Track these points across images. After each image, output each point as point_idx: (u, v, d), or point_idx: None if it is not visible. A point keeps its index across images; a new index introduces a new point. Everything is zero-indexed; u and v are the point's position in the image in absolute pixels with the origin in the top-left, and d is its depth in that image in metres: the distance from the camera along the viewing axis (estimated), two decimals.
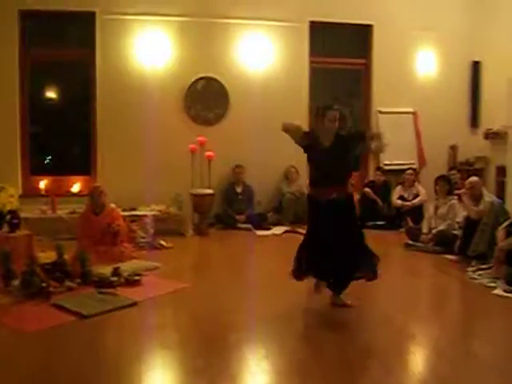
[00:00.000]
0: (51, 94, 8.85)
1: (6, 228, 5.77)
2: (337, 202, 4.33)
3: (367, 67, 9.34)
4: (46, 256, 5.67)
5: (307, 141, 4.43)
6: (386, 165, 9.15)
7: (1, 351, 3.69)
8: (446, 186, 7.22)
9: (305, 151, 4.50)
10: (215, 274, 5.96)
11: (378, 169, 9.09)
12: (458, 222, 6.87)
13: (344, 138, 4.50)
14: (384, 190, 8.81)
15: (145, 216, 7.40)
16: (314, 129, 4.58)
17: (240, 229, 8.27)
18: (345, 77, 9.71)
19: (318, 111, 4.55)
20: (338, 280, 4.50)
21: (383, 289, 5.51)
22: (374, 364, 3.46)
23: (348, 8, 8.93)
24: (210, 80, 8.57)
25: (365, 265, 4.45)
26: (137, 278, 5.26)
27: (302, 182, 8.80)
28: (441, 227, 6.96)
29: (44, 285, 4.81)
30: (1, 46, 7.98)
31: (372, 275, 4.46)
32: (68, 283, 5.05)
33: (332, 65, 9.39)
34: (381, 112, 9.24)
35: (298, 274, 4.60)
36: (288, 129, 4.46)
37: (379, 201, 8.67)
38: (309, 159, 4.53)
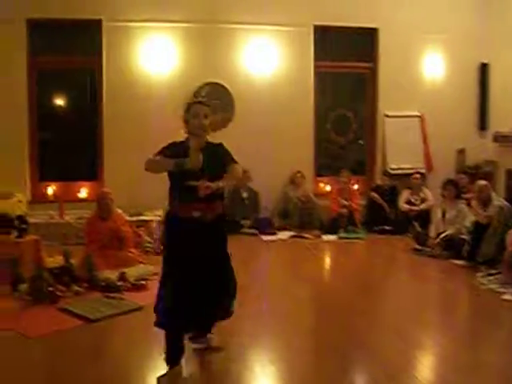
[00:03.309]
0: (59, 101, 8.89)
1: (14, 233, 5.80)
2: (202, 223, 3.35)
3: (373, 71, 9.32)
4: (54, 261, 5.70)
5: (170, 154, 3.38)
6: (392, 169, 9.12)
7: (8, 355, 3.70)
8: (453, 190, 7.17)
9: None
10: None
11: (385, 173, 9.07)
12: (466, 227, 6.83)
13: (216, 148, 3.51)
14: (391, 194, 8.79)
15: (151, 221, 7.43)
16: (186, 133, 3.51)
17: (246, 234, 8.23)
18: (350, 81, 9.69)
19: (185, 107, 3.52)
20: (207, 320, 3.59)
21: (391, 294, 5.51)
22: (379, 371, 3.44)
23: (353, 11, 8.91)
24: (215, 85, 8.58)
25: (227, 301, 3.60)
26: (143, 282, 5.29)
27: (308, 187, 8.82)
28: (449, 232, 6.92)
29: (51, 289, 4.86)
30: (10, 54, 8.05)
31: (227, 314, 3.64)
32: (75, 288, 5.10)
33: (337, 69, 9.38)
34: (387, 116, 9.21)
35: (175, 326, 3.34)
36: (151, 168, 3.47)
37: (386, 206, 8.65)
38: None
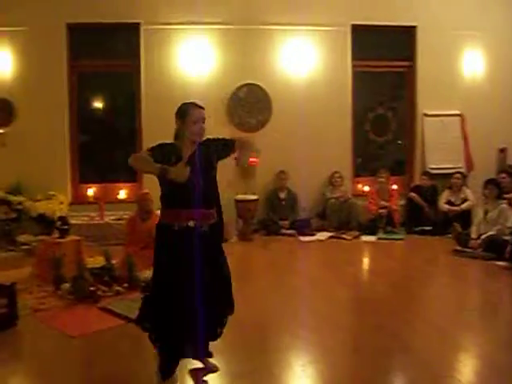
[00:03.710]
0: (98, 104, 9.06)
1: (56, 234, 5.94)
2: (196, 233, 3.12)
3: (411, 69, 9.20)
4: (95, 261, 5.82)
5: (161, 160, 3.10)
6: (432, 169, 8.99)
7: (50, 353, 3.78)
8: (495, 190, 7.06)
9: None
10: (259, 279, 5.96)
11: (425, 173, 8.93)
12: (508, 227, 6.71)
13: (208, 146, 3.32)
14: (431, 194, 8.66)
15: None
16: (176, 136, 3.42)
17: (284, 234, 8.25)
18: (389, 80, 9.57)
19: (178, 112, 3.45)
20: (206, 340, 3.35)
21: (432, 296, 5.42)
22: (422, 373, 3.39)
23: (390, 10, 8.83)
24: (252, 87, 8.61)
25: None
26: None
27: (347, 188, 8.76)
28: (491, 232, 6.80)
29: (93, 289, 4.94)
30: (50, 58, 8.26)
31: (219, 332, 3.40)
32: (116, 287, 5.18)
33: (376, 68, 9.29)
34: (427, 115, 9.08)
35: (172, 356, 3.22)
36: (135, 164, 3.16)
37: (426, 206, 8.52)
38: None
